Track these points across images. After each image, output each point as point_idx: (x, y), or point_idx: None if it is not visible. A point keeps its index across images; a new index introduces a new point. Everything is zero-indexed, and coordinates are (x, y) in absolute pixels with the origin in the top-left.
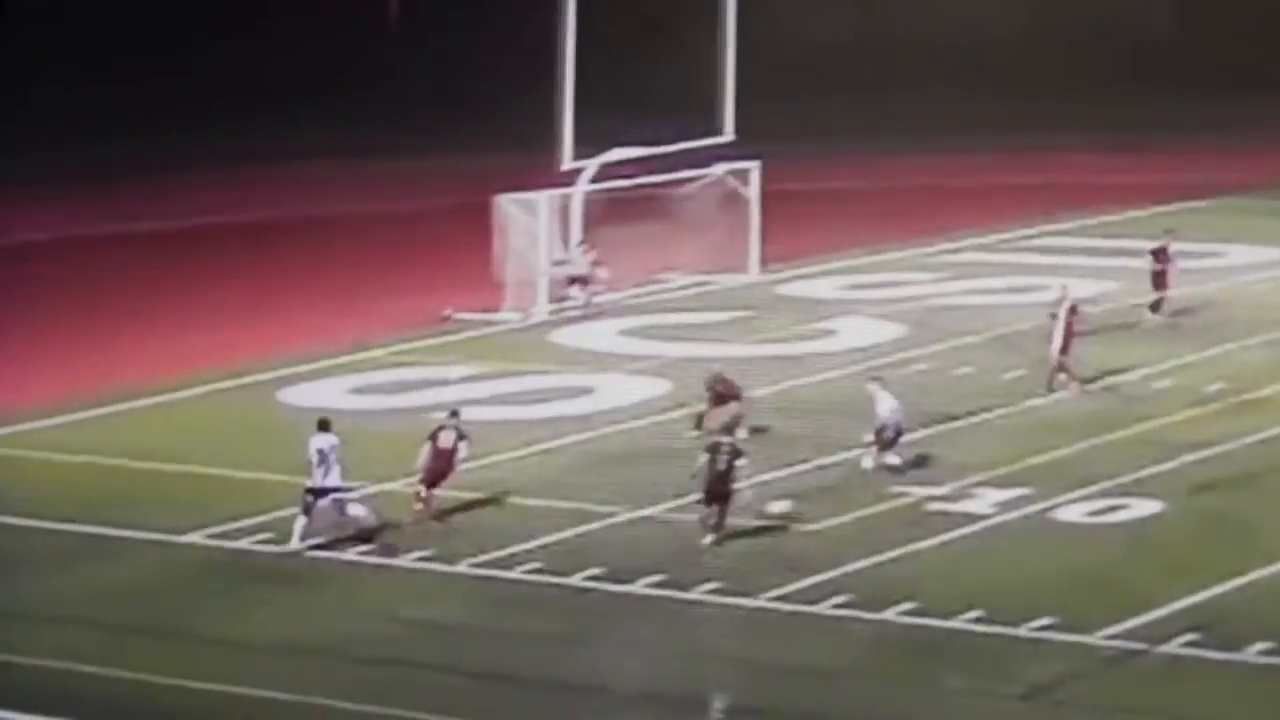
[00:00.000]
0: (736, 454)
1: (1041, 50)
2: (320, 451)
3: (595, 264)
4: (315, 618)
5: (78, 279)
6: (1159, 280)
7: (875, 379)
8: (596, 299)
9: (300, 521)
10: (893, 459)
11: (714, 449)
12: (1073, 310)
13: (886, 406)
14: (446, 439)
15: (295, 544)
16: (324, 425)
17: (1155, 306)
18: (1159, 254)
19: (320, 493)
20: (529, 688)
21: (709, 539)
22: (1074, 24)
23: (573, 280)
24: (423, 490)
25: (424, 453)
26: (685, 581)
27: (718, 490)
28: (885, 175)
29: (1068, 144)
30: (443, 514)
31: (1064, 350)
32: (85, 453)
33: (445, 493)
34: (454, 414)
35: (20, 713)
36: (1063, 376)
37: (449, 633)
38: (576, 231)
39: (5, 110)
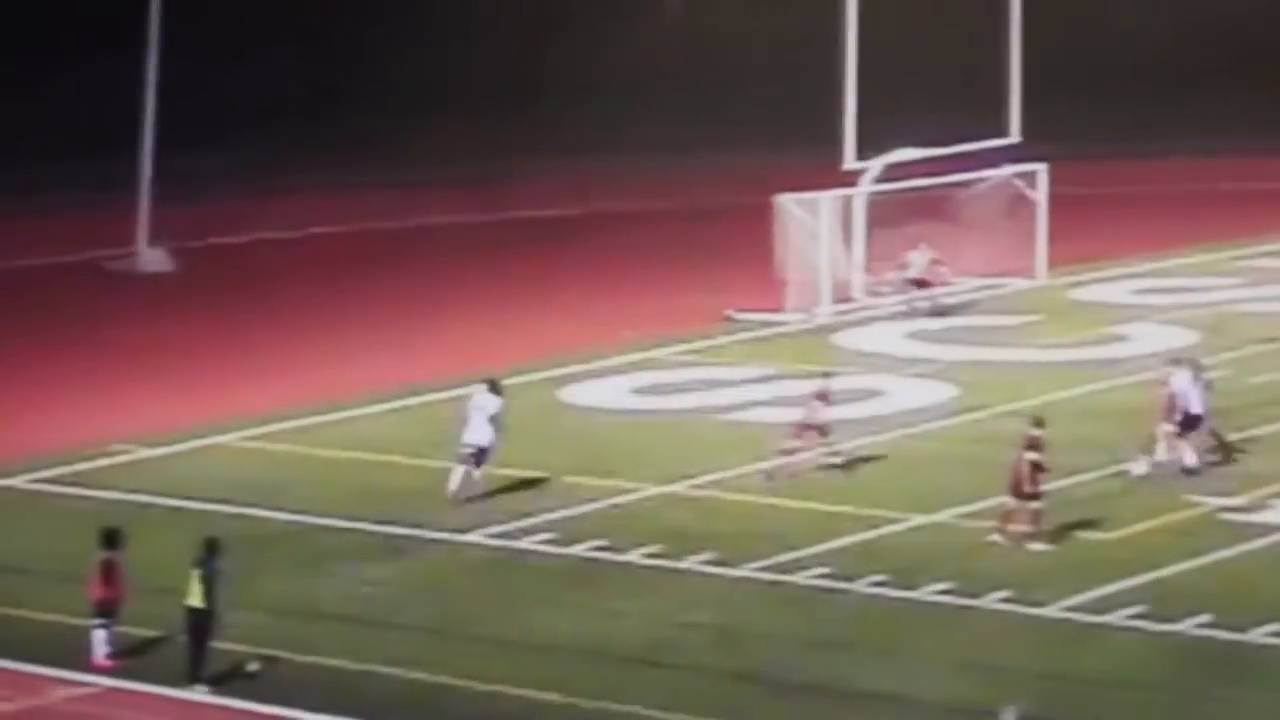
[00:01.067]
0: (1032, 446)
1: None
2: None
3: (935, 263)
4: (594, 619)
5: (365, 271)
6: None
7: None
8: (941, 300)
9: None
10: (1189, 458)
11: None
12: None
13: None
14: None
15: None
16: (493, 387)
17: None
18: None
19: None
20: (807, 695)
21: (996, 536)
22: None
23: (915, 283)
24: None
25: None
26: (974, 589)
27: (1014, 485)
28: (1176, 179)
29: None
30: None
31: None
32: (368, 449)
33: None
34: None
35: (298, 709)
36: None
37: (727, 636)
38: (860, 232)
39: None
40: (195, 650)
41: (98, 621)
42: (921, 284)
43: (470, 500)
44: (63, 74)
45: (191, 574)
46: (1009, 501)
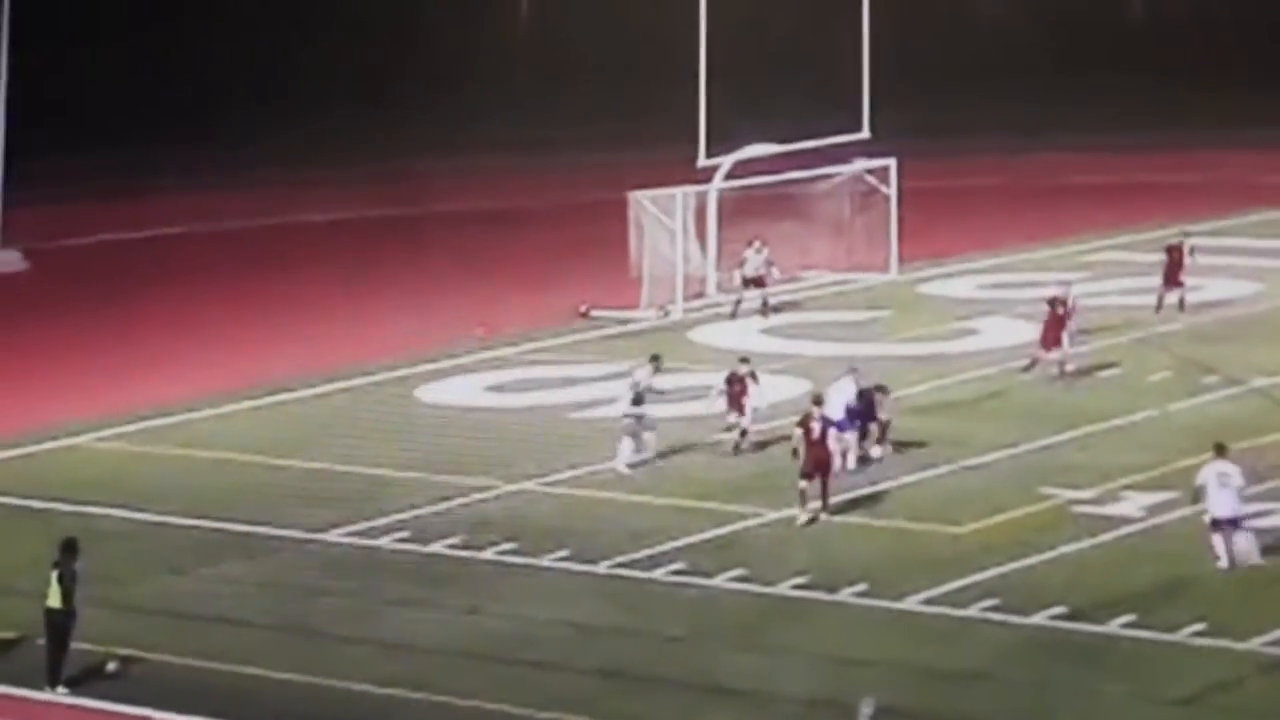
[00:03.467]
0: (829, 422)
1: (1193, 42)
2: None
3: (770, 264)
4: (453, 617)
5: (222, 271)
6: (1170, 278)
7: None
8: (773, 299)
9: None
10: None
11: (805, 419)
12: (1061, 302)
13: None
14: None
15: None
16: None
17: (1160, 305)
18: (1172, 251)
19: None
20: (668, 690)
21: (805, 517)
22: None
23: (748, 281)
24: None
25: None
26: (831, 583)
27: (817, 461)
28: (1025, 174)
29: (1215, 141)
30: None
31: (1057, 344)
32: (224, 449)
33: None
34: (744, 360)
35: (158, 710)
36: (1054, 370)
37: (586, 633)
38: (713, 229)
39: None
40: (54, 652)
41: None
42: (756, 282)
43: (635, 466)
44: None
45: (50, 575)
46: (806, 484)
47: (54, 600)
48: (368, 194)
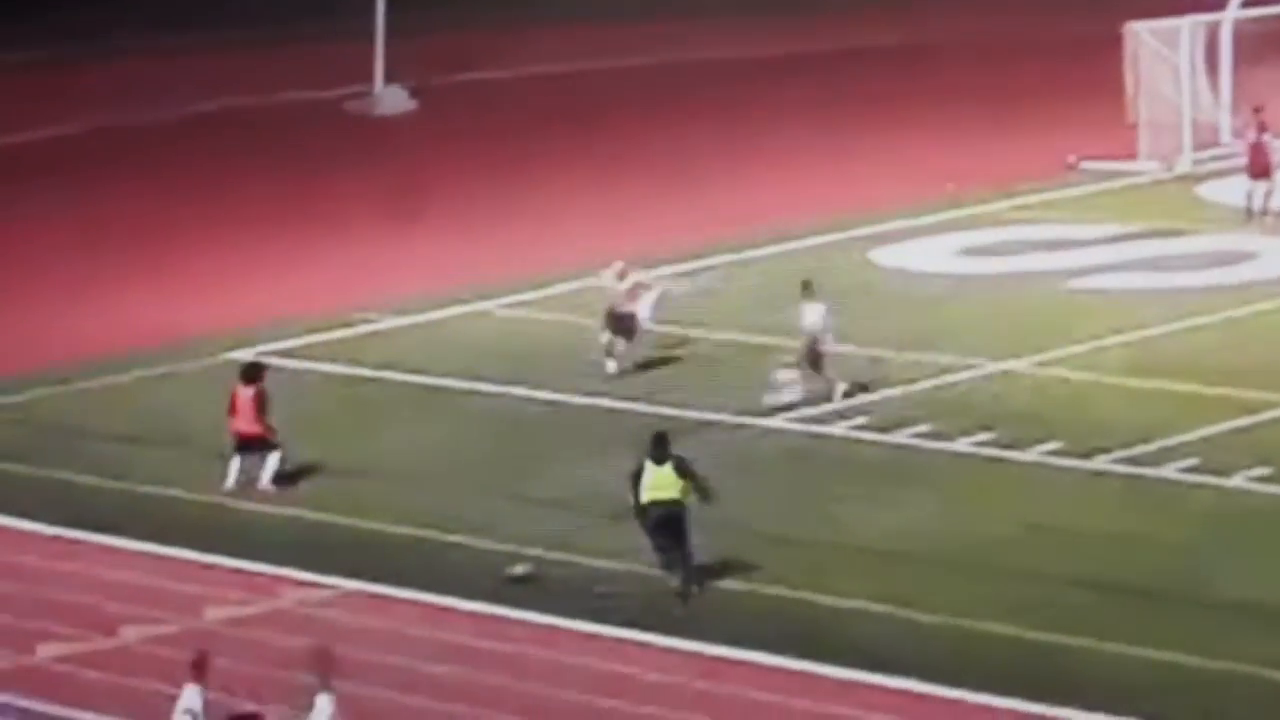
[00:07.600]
0: None
1: None
2: None
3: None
4: (918, 517)
5: (625, 112)
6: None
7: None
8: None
9: None
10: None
11: None
12: None
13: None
14: None
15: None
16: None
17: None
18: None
19: None
20: (1176, 606)
21: None
22: None
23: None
24: None
25: None
26: None
27: None
28: None
29: None
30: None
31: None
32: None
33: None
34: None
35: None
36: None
37: (1079, 540)
38: (1226, 65)
39: None
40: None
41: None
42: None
43: None
44: None
45: (662, 471)
46: None
47: (669, 492)
48: (817, 25)
